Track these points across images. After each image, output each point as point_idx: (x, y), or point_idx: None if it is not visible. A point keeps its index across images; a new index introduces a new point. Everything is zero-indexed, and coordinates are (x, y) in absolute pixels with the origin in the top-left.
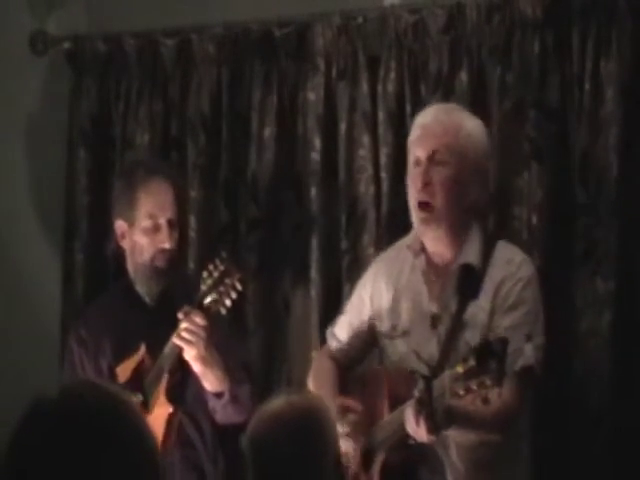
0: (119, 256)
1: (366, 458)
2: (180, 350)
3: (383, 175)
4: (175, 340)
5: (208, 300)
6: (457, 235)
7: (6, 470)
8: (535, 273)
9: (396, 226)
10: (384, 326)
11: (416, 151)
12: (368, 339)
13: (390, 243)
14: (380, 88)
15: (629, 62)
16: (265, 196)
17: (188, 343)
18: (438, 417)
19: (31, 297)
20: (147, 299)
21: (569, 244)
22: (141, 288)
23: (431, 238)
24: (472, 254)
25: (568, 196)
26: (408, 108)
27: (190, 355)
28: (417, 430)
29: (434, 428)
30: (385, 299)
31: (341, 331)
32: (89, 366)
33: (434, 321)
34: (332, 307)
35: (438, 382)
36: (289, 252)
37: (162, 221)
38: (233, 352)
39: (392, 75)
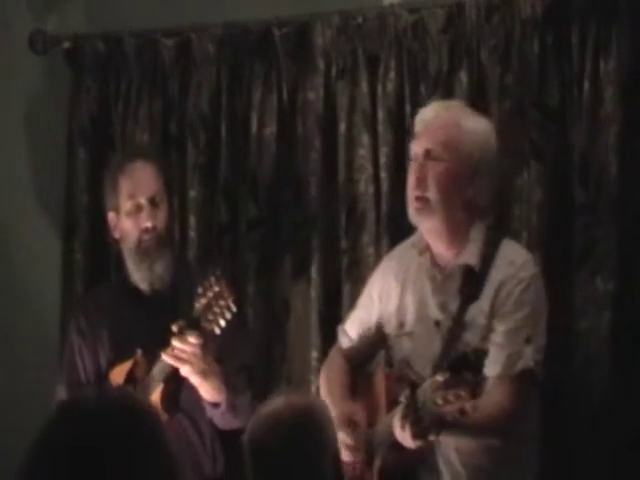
0: (118, 250)
1: (369, 456)
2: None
3: (383, 175)
4: (167, 359)
5: (203, 320)
6: (457, 233)
7: (29, 467)
8: (538, 273)
9: (396, 226)
10: (391, 324)
11: (414, 146)
12: (377, 337)
13: (390, 243)
14: (380, 87)
15: (628, 62)
16: (265, 196)
17: (182, 362)
18: (425, 423)
19: (31, 296)
20: (143, 286)
21: (569, 244)
22: (136, 275)
23: (428, 230)
24: (472, 255)
25: (567, 196)
26: (408, 107)
27: (185, 372)
28: (403, 436)
29: (420, 434)
30: (393, 297)
31: (351, 328)
32: (88, 357)
33: (437, 321)
34: (332, 307)
35: (421, 390)
36: (289, 252)
37: (142, 200)
38: (236, 358)
39: (392, 75)
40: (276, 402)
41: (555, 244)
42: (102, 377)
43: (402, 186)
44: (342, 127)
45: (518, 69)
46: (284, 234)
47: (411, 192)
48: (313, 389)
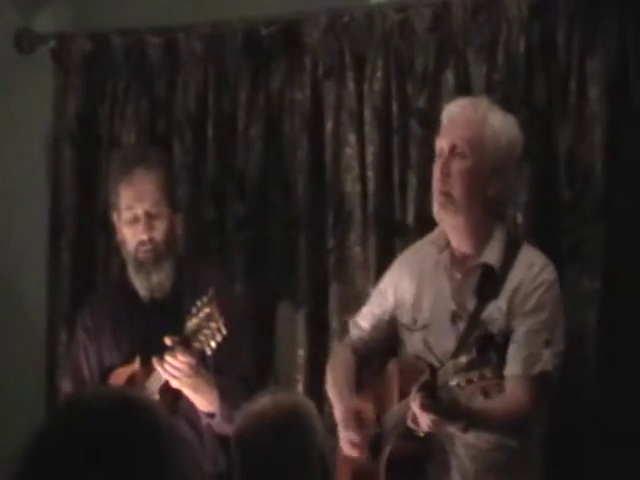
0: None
1: (374, 447)
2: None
3: (369, 174)
4: (160, 372)
5: (193, 339)
6: (478, 230)
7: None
8: (557, 279)
9: (382, 225)
10: (405, 319)
11: (440, 142)
12: (389, 331)
13: (376, 242)
14: (366, 87)
15: (614, 60)
16: (252, 195)
17: (171, 377)
18: (443, 406)
19: (17, 296)
20: (142, 293)
21: (555, 243)
22: (135, 282)
23: (450, 227)
24: (493, 255)
25: (554, 194)
26: (394, 106)
27: (175, 385)
28: (420, 416)
29: (437, 415)
30: (408, 293)
31: (363, 321)
32: (92, 355)
33: (454, 317)
34: (318, 305)
35: (442, 372)
36: (276, 251)
37: (139, 212)
38: (234, 369)
39: (378, 74)
40: (262, 400)
41: (541, 243)
42: (105, 375)
43: (389, 185)
44: (329, 126)
45: (504, 68)
46: (271, 233)
47: (436, 187)
48: (300, 387)
